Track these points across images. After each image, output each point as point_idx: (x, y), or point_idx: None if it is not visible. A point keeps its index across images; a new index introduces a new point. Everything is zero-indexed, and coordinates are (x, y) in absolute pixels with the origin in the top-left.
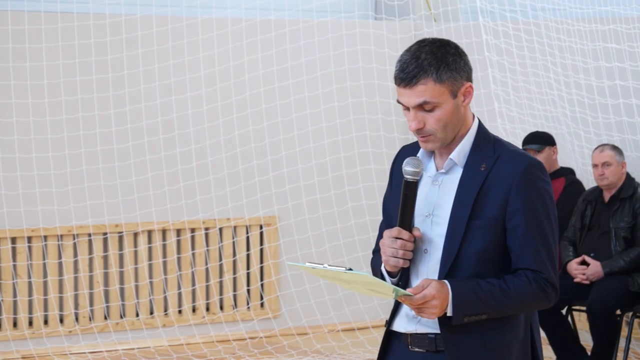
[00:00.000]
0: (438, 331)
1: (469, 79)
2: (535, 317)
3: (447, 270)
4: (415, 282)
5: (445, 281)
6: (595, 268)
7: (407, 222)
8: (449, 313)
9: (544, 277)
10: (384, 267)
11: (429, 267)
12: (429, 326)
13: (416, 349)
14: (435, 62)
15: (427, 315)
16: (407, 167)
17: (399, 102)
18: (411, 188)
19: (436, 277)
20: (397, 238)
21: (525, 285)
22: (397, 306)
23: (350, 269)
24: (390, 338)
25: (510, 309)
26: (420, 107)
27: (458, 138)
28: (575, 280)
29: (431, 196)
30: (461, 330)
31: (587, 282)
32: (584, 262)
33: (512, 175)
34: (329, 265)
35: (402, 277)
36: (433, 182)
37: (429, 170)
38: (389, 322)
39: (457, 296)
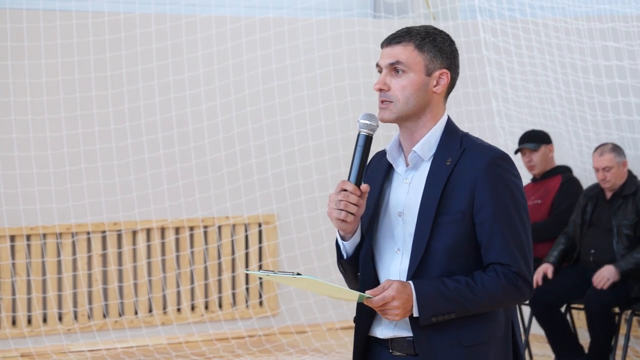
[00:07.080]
0: None
1: (449, 69)
2: (515, 314)
3: (416, 267)
4: None
5: (410, 282)
6: (609, 271)
7: (357, 176)
8: (415, 314)
9: (514, 271)
10: (337, 232)
11: (401, 267)
12: (406, 329)
13: (397, 353)
14: (425, 34)
15: (391, 317)
16: (362, 120)
17: (377, 65)
18: (365, 142)
19: (407, 275)
20: (342, 190)
21: (493, 281)
22: (372, 311)
23: (299, 274)
24: (371, 343)
25: (479, 305)
26: (393, 67)
27: (423, 130)
28: (598, 286)
29: (401, 195)
30: (434, 330)
31: (605, 286)
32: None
33: (477, 168)
34: (279, 272)
35: (368, 269)
36: (403, 180)
37: (399, 166)
38: (368, 328)
39: (421, 296)
